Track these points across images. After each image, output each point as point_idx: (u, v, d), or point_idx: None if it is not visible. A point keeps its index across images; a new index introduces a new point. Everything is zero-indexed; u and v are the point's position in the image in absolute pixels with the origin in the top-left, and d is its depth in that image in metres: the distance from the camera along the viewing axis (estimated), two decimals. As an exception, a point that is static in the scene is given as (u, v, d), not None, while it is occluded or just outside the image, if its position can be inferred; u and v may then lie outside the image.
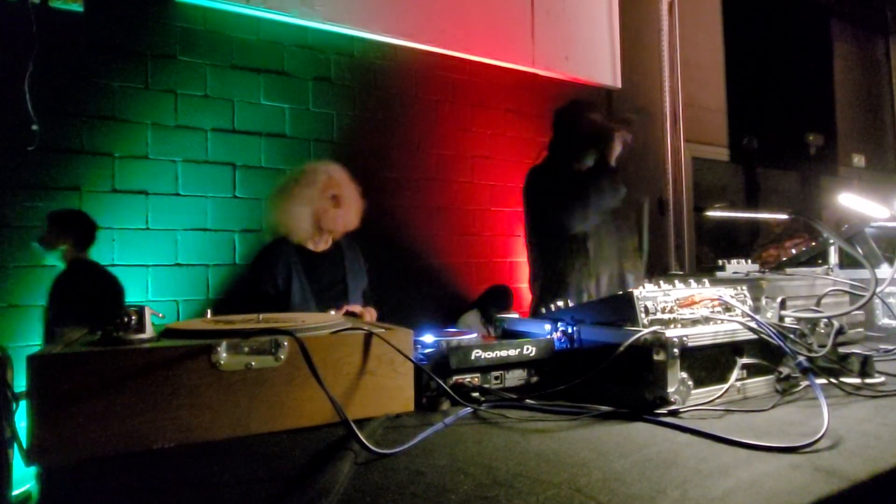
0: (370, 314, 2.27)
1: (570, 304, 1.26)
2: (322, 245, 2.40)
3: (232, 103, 3.08)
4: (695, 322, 1.12)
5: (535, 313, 2.64)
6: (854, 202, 2.26)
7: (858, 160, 6.40)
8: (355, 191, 2.45)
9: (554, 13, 4.20)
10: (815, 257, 1.99)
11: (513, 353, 1.14)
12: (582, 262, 2.56)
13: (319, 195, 2.32)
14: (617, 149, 2.60)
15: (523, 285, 3.95)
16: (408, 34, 3.58)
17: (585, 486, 0.69)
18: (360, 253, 2.53)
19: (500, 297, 3.60)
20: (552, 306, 1.29)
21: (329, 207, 2.32)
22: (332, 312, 2.15)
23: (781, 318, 1.23)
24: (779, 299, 1.25)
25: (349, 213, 2.39)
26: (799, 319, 1.25)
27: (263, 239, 2.44)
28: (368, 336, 0.99)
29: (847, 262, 1.93)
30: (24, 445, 0.78)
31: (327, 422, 0.94)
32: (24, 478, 2.31)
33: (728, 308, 1.17)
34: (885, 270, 1.75)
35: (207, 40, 3.02)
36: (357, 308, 2.24)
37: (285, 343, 0.92)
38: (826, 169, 6.06)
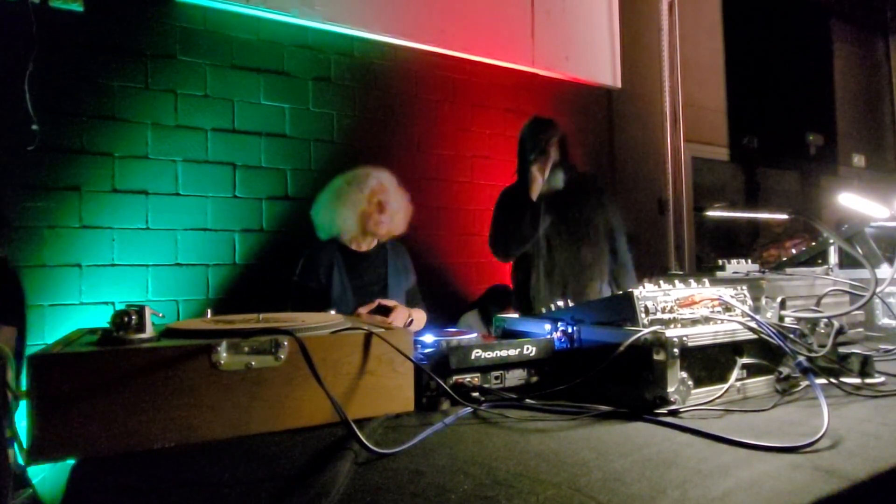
0: (408, 312, 2.37)
1: (570, 304, 1.26)
2: (365, 246, 2.54)
3: (232, 103, 3.08)
4: (695, 322, 1.12)
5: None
6: (854, 202, 2.26)
7: (858, 160, 6.40)
8: (403, 197, 2.60)
9: (554, 13, 4.20)
10: (815, 257, 1.99)
11: (513, 352, 1.14)
12: (536, 279, 2.69)
13: (366, 200, 2.45)
14: (537, 181, 2.67)
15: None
16: (408, 34, 3.58)
17: (585, 486, 0.69)
18: (408, 256, 2.67)
19: (499, 297, 3.60)
20: (552, 306, 1.29)
21: (374, 212, 2.45)
22: (362, 308, 2.28)
23: (781, 318, 1.23)
24: (779, 299, 1.25)
25: (395, 219, 2.53)
26: (799, 319, 1.25)
27: (317, 236, 2.53)
28: (368, 336, 0.99)
29: (847, 262, 1.93)
30: (25, 445, 0.78)
31: (327, 422, 0.94)
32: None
33: (728, 308, 1.17)
34: (885, 270, 1.75)
35: (207, 40, 3.02)
36: (391, 302, 2.34)
37: (285, 343, 0.92)
38: (826, 169, 6.06)
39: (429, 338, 1.26)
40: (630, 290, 1.12)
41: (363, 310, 2.28)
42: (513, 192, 2.81)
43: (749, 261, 1.71)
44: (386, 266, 2.53)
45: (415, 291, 2.62)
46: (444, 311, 3.59)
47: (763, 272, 1.71)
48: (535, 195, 2.67)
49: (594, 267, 2.73)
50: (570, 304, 1.27)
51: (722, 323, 1.12)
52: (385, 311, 2.29)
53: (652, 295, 1.11)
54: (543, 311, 1.31)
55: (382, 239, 2.56)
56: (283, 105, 3.22)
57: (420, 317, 2.46)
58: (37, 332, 2.56)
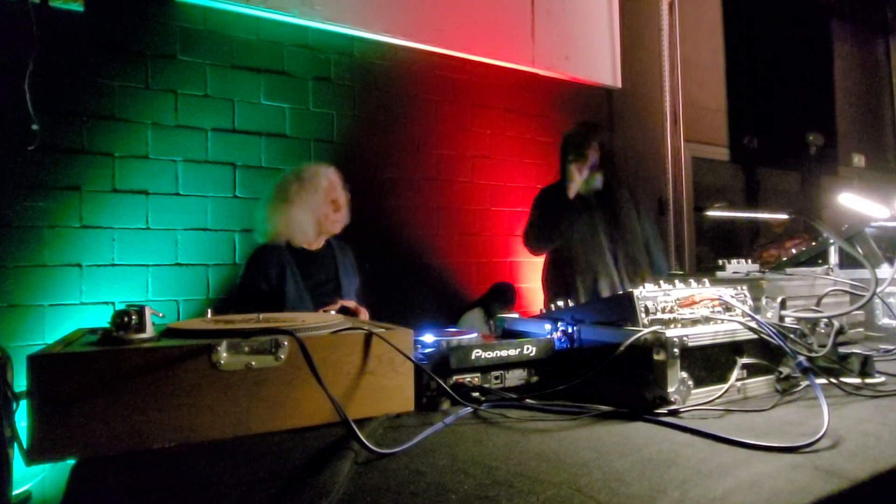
0: (364, 313, 2.32)
1: (570, 304, 1.26)
2: (315, 245, 2.46)
3: (232, 103, 3.08)
4: (695, 322, 1.12)
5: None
6: (854, 202, 2.26)
7: (858, 160, 6.40)
8: (345, 189, 2.52)
9: (554, 13, 4.20)
10: (815, 257, 1.99)
11: (513, 352, 1.14)
12: (569, 273, 2.82)
13: (323, 202, 2.37)
14: (575, 180, 2.80)
15: (525, 284, 3.95)
16: (408, 34, 3.58)
17: (585, 486, 0.69)
18: (352, 253, 2.58)
19: (502, 294, 3.60)
20: (552, 306, 1.29)
21: (330, 212, 2.39)
22: (325, 309, 2.20)
23: (781, 318, 1.23)
24: (779, 299, 1.25)
25: (346, 215, 2.46)
26: (799, 319, 1.25)
27: (255, 239, 2.45)
28: (368, 336, 0.99)
29: (847, 262, 1.93)
30: (25, 445, 0.78)
31: (327, 422, 0.94)
32: (25, 477, 2.31)
33: (728, 308, 1.17)
34: (885, 270, 1.75)
35: (207, 40, 3.02)
36: (351, 304, 2.29)
37: (285, 343, 0.92)
38: (826, 169, 6.06)
39: (429, 338, 1.26)
40: (630, 290, 1.11)
41: (323, 311, 2.22)
42: (551, 191, 2.94)
43: (749, 261, 1.71)
44: (336, 265, 2.45)
45: (359, 291, 2.53)
46: (444, 311, 3.60)
47: (763, 272, 1.71)
48: (571, 193, 2.79)
49: (626, 269, 2.82)
50: (570, 304, 1.27)
51: (722, 323, 1.12)
52: (346, 313, 2.22)
53: (652, 295, 1.11)
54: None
55: (330, 236, 2.48)
56: (283, 105, 3.22)
57: (366, 317, 2.35)
58: (37, 332, 2.56)
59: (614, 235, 2.85)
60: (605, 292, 2.76)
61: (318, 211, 2.36)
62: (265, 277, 2.27)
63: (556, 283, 2.87)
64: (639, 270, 2.85)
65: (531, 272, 3.87)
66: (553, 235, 2.81)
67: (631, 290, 1.11)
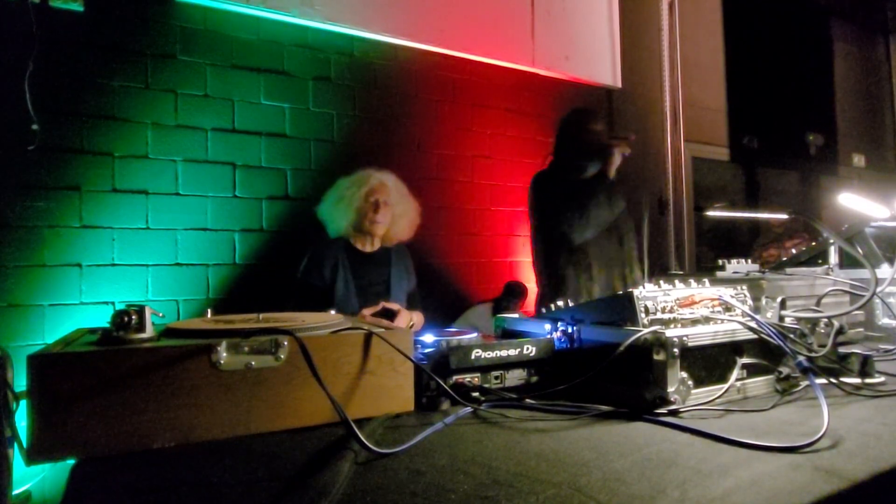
0: (410, 316, 2.38)
1: (570, 304, 1.26)
2: (370, 247, 2.56)
3: (232, 103, 3.08)
4: (695, 322, 1.12)
5: (538, 314, 2.68)
6: (854, 202, 2.26)
7: (858, 160, 6.40)
8: (411, 204, 2.63)
9: (554, 13, 4.20)
10: (815, 257, 1.99)
11: (513, 352, 1.14)
12: (583, 271, 2.65)
13: (363, 198, 2.47)
14: (616, 163, 2.67)
15: (525, 284, 3.95)
16: (408, 34, 3.58)
17: (585, 486, 0.69)
18: (410, 259, 2.68)
19: (512, 290, 3.61)
20: (552, 306, 1.29)
21: (369, 210, 2.46)
22: (366, 309, 2.29)
23: (781, 318, 1.23)
24: (779, 299, 1.25)
25: (397, 223, 2.56)
26: (799, 319, 1.25)
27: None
28: (368, 336, 0.99)
29: (847, 262, 1.93)
30: (24, 445, 0.78)
31: (327, 421, 0.94)
32: (25, 477, 2.31)
33: (728, 308, 1.17)
34: (885, 270, 1.75)
35: (207, 40, 3.02)
36: (395, 305, 2.34)
37: (285, 343, 0.92)
38: (826, 169, 6.06)
39: (429, 338, 1.26)
40: (630, 289, 1.12)
41: (367, 311, 2.28)
42: (563, 176, 2.70)
43: (749, 261, 1.72)
44: (389, 267, 2.54)
45: (414, 294, 2.64)
46: (445, 311, 3.59)
47: (763, 272, 1.71)
48: (612, 174, 2.67)
49: (634, 259, 2.75)
50: (570, 304, 1.27)
51: (722, 323, 1.12)
52: (389, 313, 2.30)
53: (652, 295, 1.11)
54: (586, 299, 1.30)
55: (384, 241, 2.58)
56: (283, 105, 3.22)
57: (419, 320, 2.48)
58: (37, 332, 2.56)
59: (627, 227, 2.77)
60: (622, 286, 2.66)
61: (357, 205, 2.46)
62: (319, 274, 2.41)
63: (564, 278, 2.66)
64: (636, 266, 2.80)
65: (532, 272, 3.86)
66: (598, 221, 2.60)
67: (631, 289, 1.11)
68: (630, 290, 1.11)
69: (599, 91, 4.45)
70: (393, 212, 2.53)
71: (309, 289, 2.40)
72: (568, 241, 2.61)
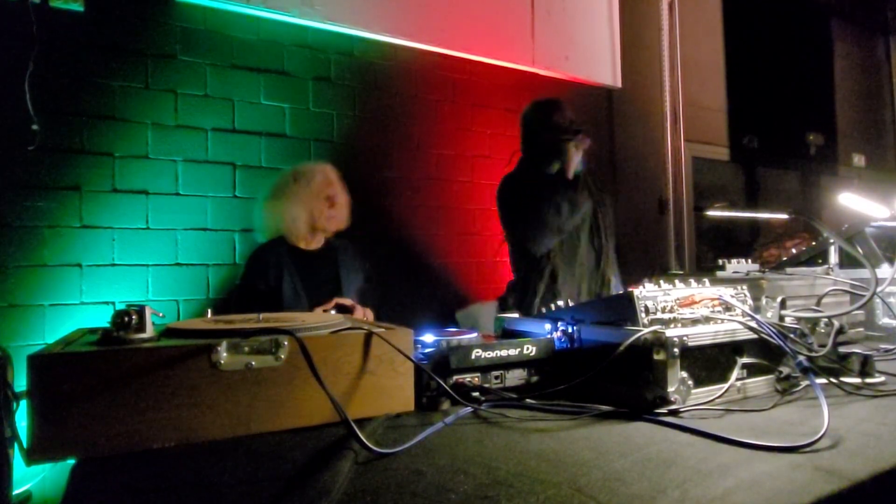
0: (365, 313, 2.29)
1: (570, 304, 1.26)
2: (314, 244, 2.45)
3: (232, 103, 3.08)
4: (695, 322, 1.12)
5: (501, 309, 2.61)
6: (854, 202, 2.26)
7: (858, 160, 6.40)
8: (345, 190, 2.50)
9: (554, 13, 4.20)
10: (815, 257, 1.99)
11: (513, 352, 1.14)
12: (545, 278, 2.48)
13: (315, 196, 2.37)
14: (573, 160, 2.49)
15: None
16: (408, 34, 3.57)
17: (585, 486, 0.69)
18: (357, 253, 2.56)
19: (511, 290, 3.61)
20: (552, 306, 1.29)
21: (324, 208, 2.37)
22: (322, 308, 2.19)
23: (781, 318, 1.23)
24: (779, 299, 1.25)
25: (342, 213, 2.44)
26: (799, 319, 1.25)
27: (255, 238, 2.47)
28: (368, 336, 0.99)
29: (847, 261, 1.93)
30: (25, 445, 0.78)
31: (327, 421, 0.94)
32: (25, 477, 2.31)
33: (728, 308, 1.17)
34: (885, 270, 1.75)
35: (207, 40, 3.02)
36: (348, 301, 2.26)
37: (285, 343, 0.92)
38: (826, 169, 6.06)
39: (429, 337, 1.26)
40: (630, 289, 1.11)
41: (320, 309, 2.20)
42: (526, 177, 2.56)
43: (749, 261, 1.72)
44: (337, 264, 2.45)
45: (366, 289, 2.52)
46: (444, 311, 3.59)
47: (763, 272, 1.71)
48: (571, 174, 2.48)
49: (610, 260, 2.61)
50: (570, 304, 1.27)
51: (722, 323, 1.12)
52: (343, 310, 2.21)
53: (652, 295, 1.11)
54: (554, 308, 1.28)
55: (330, 235, 2.48)
56: (283, 105, 3.22)
57: (369, 317, 2.33)
58: (37, 332, 2.56)
59: (598, 227, 2.59)
60: (587, 292, 2.51)
61: (311, 206, 2.36)
62: (263, 278, 2.30)
63: (527, 286, 2.50)
64: (613, 269, 2.62)
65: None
66: (559, 226, 2.41)
67: (631, 289, 1.11)
68: (630, 289, 1.11)
69: (599, 91, 4.45)
70: (341, 203, 2.44)
71: (253, 293, 2.29)
72: (532, 253, 2.47)
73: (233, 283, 3.01)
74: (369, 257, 2.55)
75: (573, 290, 2.51)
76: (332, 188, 2.41)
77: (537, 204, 2.43)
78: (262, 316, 1.14)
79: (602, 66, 4.44)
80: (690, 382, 1.02)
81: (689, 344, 1.02)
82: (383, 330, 1.02)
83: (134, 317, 0.91)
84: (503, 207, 2.66)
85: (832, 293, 1.44)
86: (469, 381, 1.09)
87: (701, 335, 1.05)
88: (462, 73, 3.85)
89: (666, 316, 1.10)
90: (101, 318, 2.53)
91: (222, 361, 0.88)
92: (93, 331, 1.04)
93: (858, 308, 1.36)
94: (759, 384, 1.12)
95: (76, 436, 0.79)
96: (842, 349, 1.26)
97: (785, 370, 1.12)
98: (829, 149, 5.99)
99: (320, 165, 2.49)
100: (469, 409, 1.02)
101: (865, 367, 1.19)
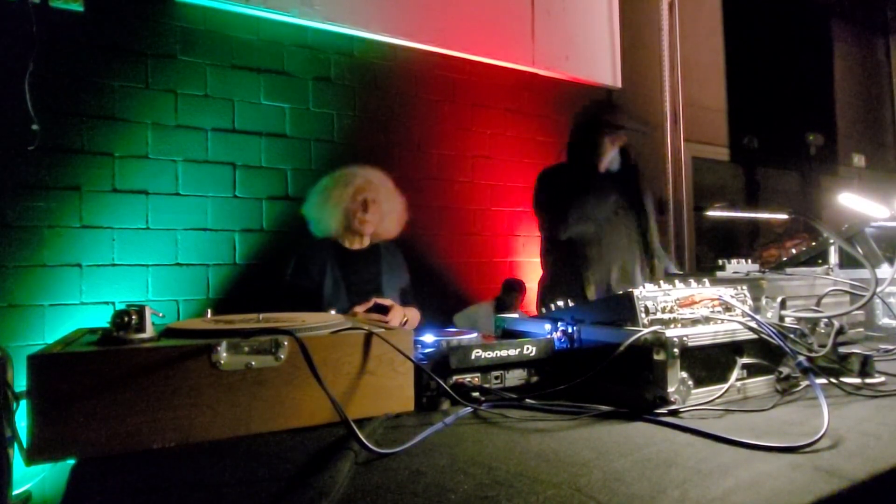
0: (403, 312, 2.35)
1: (570, 304, 1.26)
2: (358, 244, 2.52)
3: (232, 103, 3.08)
4: (695, 322, 1.12)
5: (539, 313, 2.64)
6: (854, 202, 2.26)
7: (858, 160, 6.40)
8: (397, 200, 2.58)
9: (554, 13, 4.20)
10: (815, 257, 1.99)
11: (513, 352, 1.14)
12: (576, 268, 2.55)
13: (350, 197, 2.44)
14: (608, 154, 2.57)
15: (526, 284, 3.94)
16: (408, 34, 3.58)
17: (585, 486, 0.69)
18: (401, 255, 2.64)
19: (511, 286, 3.61)
20: (552, 306, 1.29)
21: (357, 210, 2.43)
22: (358, 305, 2.25)
23: (781, 318, 1.23)
24: (779, 299, 1.25)
25: (385, 220, 2.52)
26: (799, 319, 1.25)
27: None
28: (368, 336, 0.99)
29: (847, 262, 1.93)
30: (24, 445, 0.78)
31: (327, 421, 0.94)
32: (25, 477, 2.31)
33: (728, 308, 1.17)
34: (885, 270, 1.75)
35: (207, 40, 3.02)
36: (387, 301, 2.33)
37: (285, 343, 0.92)
38: (826, 169, 6.06)
39: (429, 337, 1.26)
40: (630, 289, 1.11)
41: (359, 308, 2.26)
42: (564, 170, 2.66)
43: (749, 261, 1.71)
44: (379, 264, 2.51)
45: (408, 290, 2.59)
46: (444, 311, 3.59)
47: (763, 272, 1.71)
48: (603, 167, 2.59)
49: (637, 251, 2.66)
50: (570, 304, 1.27)
51: (722, 323, 1.12)
52: (382, 309, 2.28)
53: (652, 295, 1.11)
54: (589, 294, 1.27)
55: (376, 239, 2.55)
56: (283, 105, 3.22)
57: (414, 316, 2.45)
58: (37, 332, 2.56)
59: (637, 222, 2.66)
60: (621, 286, 2.55)
61: (345, 205, 2.43)
62: (307, 275, 2.37)
63: (563, 275, 2.58)
64: (659, 265, 2.68)
65: (532, 272, 3.87)
66: (584, 215, 2.49)
67: (631, 289, 1.11)
68: (630, 290, 1.11)
69: (599, 91, 4.45)
70: (381, 209, 2.50)
71: (298, 290, 2.37)
72: (555, 238, 2.56)
73: (233, 283, 3.01)
74: (406, 258, 2.63)
75: (604, 279, 2.57)
76: (370, 192, 2.46)
77: (565, 192, 2.52)
78: (262, 316, 1.14)
79: (602, 66, 4.44)
80: (690, 382, 1.02)
81: (689, 344, 1.02)
82: (383, 330, 1.02)
83: (134, 317, 0.91)
84: (536, 198, 2.72)
85: (832, 293, 1.44)
86: (469, 382, 1.09)
87: (701, 335, 1.05)
88: (462, 73, 3.86)
89: (666, 316, 1.10)
90: (101, 318, 2.53)
91: (222, 361, 0.88)
92: (93, 331, 1.04)
93: (858, 308, 1.36)
94: (759, 384, 1.12)
95: (76, 436, 0.79)
96: (842, 349, 1.26)
97: (785, 370, 1.12)
98: (829, 149, 5.99)
99: (364, 169, 2.55)
100: (469, 409, 1.02)
101: (865, 367, 1.19)
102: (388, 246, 2.60)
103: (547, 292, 2.63)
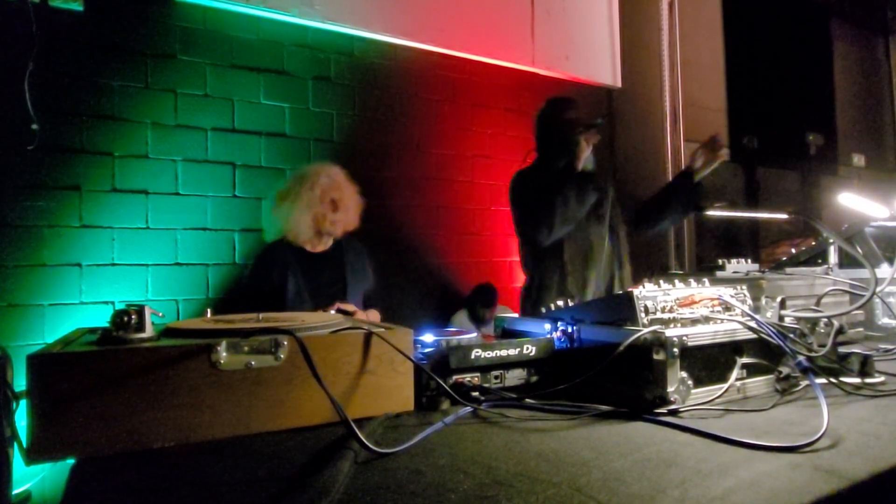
0: (368, 316, 2.29)
1: (570, 304, 1.26)
2: (321, 246, 2.42)
3: (232, 103, 3.08)
4: (695, 321, 1.12)
5: (522, 314, 2.62)
6: (854, 202, 2.26)
7: (858, 160, 6.40)
8: (354, 191, 2.47)
9: (554, 12, 4.20)
10: (815, 257, 1.99)
11: (513, 352, 1.14)
12: (555, 271, 2.50)
13: (319, 200, 2.33)
14: (584, 154, 2.51)
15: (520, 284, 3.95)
16: (408, 34, 3.58)
17: (585, 486, 0.69)
18: (365, 255, 2.54)
19: (484, 295, 3.59)
20: (552, 306, 1.29)
21: (328, 212, 2.34)
22: (323, 311, 2.18)
23: (781, 318, 1.23)
24: (778, 299, 1.25)
25: (348, 215, 2.41)
26: (799, 319, 1.25)
27: (263, 238, 2.46)
28: (368, 336, 0.99)
29: (847, 261, 1.93)
30: (24, 445, 0.78)
31: (327, 421, 0.94)
32: (25, 477, 2.31)
33: (728, 307, 1.17)
34: (884, 270, 1.75)
35: (207, 40, 3.02)
36: (350, 307, 2.25)
37: (285, 342, 0.92)
38: (826, 169, 6.06)
39: (429, 337, 1.26)
40: (630, 289, 1.11)
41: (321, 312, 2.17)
42: (542, 171, 2.60)
43: (749, 260, 1.71)
44: (343, 266, 2.42)
45: (372, 293, 2.51)
46: (444, 311, 3.60)
47: (763, 272, 1.71)
48: (580, 166, 2.50)
49: (615, 255, 2.62)
50: (570, 303, 1.27)
51: (722, 323, 1.12)
52: (344, 315, 2.21)
53: (652, 295, 1.11)
54: (559, 304, 1.27)
55: (338, 237, 2.45)
56: (283, 105, 3.22)
57: (375, 319, 2.33)
58: (37, 332, 2.56)
59: (612, 224, 2.61)
60: (596, 291, 2.51)
61: (315, 209, 2.32)
62: (267, 278, 2.28)
63: (547, 279, 2.51)
64: (626, 269, 2.64)
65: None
66: (567, 216, 2.43)
67: (630, 289, 1.11)
68: (630, 289, 1.11)
69: (599, 91, 4.45)
70: (347, 205, 2.40)
71: (256, 293, 2.28)
72: (539, 244, 2.49)
73: (234, 282, 3.01)
74: (369, 257, 2.54)
75: (582, 284, 2.51)
76: (336, 191, 2.37)
77: (546, 195, 2.45)
78: (261, 316, 1.14)
79: (602, 66, 4.44)
80: (690, 382, 1.02)
81: (689, 344, 1.02)
82: (383, 330, 1.02)
83: (133, 316, 0.91)
84: (514, 201, 2.66)
85: (832, 293, 1.44)
86: (469, 381, 1.09)
87: (701, 335, 1.05)
88: (462, 73, 3.86)
89: (666, 316, 1.10)
90: (100, 318, 2.53)
91: (222, 361, 0.88)
92: (92, 330, 1.04)
93: (858, 308, 1.36)
94: (759, 384, 1.12)
95: (76, 436, 0.79)
96: (841, 349, 1.26)
97: (785, 370, 1.12)
98: (829, 149, 5.99)
99: (325, 167, 2.45)
100: (469, 408, 1.02)
101: (865, 367, 1.19)
102: (352, 246, 2.51)
103: (532, 297, 2.57)
